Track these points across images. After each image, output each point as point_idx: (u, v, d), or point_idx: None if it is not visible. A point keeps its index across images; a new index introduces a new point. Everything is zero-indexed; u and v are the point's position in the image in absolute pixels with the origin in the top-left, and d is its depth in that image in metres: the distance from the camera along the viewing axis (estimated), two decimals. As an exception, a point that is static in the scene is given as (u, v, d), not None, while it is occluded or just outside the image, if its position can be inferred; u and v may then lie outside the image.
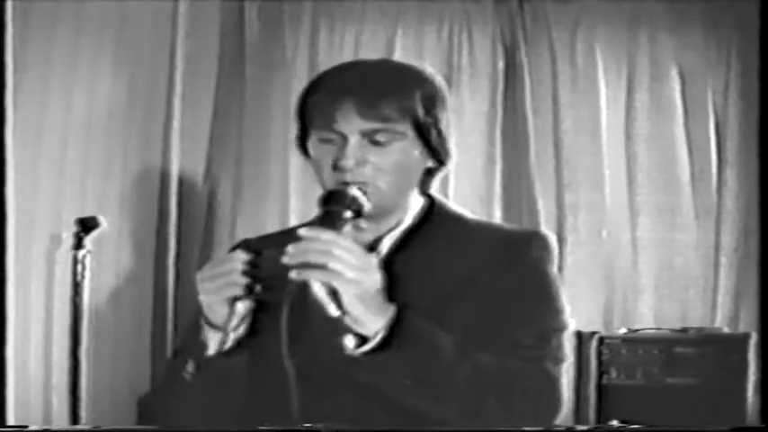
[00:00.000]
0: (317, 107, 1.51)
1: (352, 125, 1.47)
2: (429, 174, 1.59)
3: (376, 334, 1.41)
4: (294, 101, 3.53)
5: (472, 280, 1.52)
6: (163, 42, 3.49)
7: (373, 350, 1.41)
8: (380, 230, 1.57)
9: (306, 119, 1.54)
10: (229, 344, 1.45)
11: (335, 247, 1.38)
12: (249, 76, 3.59)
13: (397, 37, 3.66)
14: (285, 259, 1.37)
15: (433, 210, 1.62)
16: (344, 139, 1.48)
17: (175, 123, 3.49)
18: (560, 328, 1.55)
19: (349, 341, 1.42)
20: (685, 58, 3.75)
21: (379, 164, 1.49)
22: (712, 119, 3.74)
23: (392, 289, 1.46)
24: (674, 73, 3.75)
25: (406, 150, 1.51)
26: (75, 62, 3.33)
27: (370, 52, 3.60)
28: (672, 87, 3.74)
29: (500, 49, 3.71)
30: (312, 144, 1.54)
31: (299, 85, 3.57)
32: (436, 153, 1.56)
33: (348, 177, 1.48)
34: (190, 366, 1.50)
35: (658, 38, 3.75)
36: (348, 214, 1.46)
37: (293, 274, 1.37)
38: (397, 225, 1.58)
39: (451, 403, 1.45)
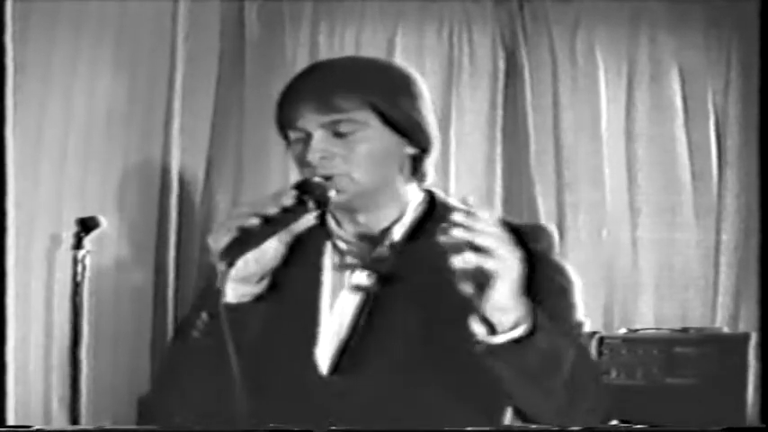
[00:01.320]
0: (283, 109, 1.55)
1: (311, 121, 1.50)
2: (416, 162, 1.59)
3: (517, 323, 1.34)
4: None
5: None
6: (163, 42, 3.49)
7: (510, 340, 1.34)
8: (381, 223, 1.58)
9: (280, 121, 1.57)
10: (248, 296, 1.44)
11: (491, 231, 1.31)
12: (249, 76, 3.59)
13: (398, 37, 3.66)
14: (442, 238, 1.31)
15: (435, 204, 1.62)
16: (308, 135, 1.51)
17: (175, 123, 3.49)
18: (582, 321, 1.56)
19: (479, 328, 1.35)
20: (686, 57, 3.74)
21: (346, 156, 1.50)
22: (712, 118, 3.73)
23: (408, 281, 1.48)
24: (674, 72, 3.74)
25: (372, 139, 1.52)
26: (75, 62, 3.33)
27: (371, 52, 3.60)
28: (672, 87, 3.73)
29: (500, 48, 3.70)
30: (290, 146, 1.57)
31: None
32: (413, 140, 1.56)
33: (317, 172, 1.50)
34: (203, 317, 1.47)
35: (659, 37, 3.74)
36: (311, 204, 1.45)
37: (457, 262, 1.30)
38: (400, 217, 1.59)
39: (556, 399, 1.42)
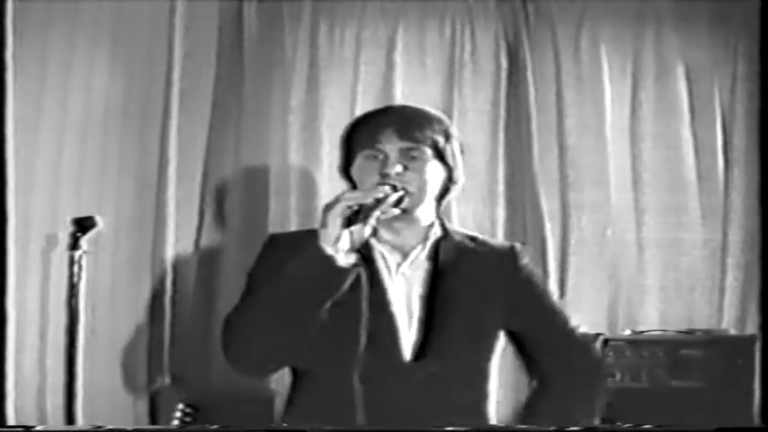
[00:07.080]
0: (363, 133, 2.06)
1: (392, 144, 2.02)
2: (444, 192, 2.13)
3: None
4: (293, 99, 3.61)
5: (498, 287, 2.09)
6: (160, 40, 3.47)
7: None
8: (414, 237, 2.09)
9: (352, 144, 2.08)
10: (349, 265, 1.88)
11: None
12: (248, 74, 3.56)
13: (398, 35, 3.62)
14: None
15: (447, 230, 2.14)
16: (386, 155, 2.02)
17: (173, 122, 3.46)
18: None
19: None
20: (691, 55, 3.70)
21: (415, 176, 2.02)
22: (719, 117, 3.70)
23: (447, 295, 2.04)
24: (680, 71, 3.70)
25: (432, 166, 2.06)
26: (71, 61, 3.32)
27: (371, 50, 3.57)
28: (678, 85, 3.69)
29: (503, 46, 3.67)
30: (357, 163, 2.06)
31: (298, 83, 3.57)
32: (451, 174, 2.10)
33: (394, 182, 1.98)
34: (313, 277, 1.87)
35: (664, 35, 3.70)
36: (395, 196, 1.95)
37: None
38: (427, 236, 2.10)
39: None
